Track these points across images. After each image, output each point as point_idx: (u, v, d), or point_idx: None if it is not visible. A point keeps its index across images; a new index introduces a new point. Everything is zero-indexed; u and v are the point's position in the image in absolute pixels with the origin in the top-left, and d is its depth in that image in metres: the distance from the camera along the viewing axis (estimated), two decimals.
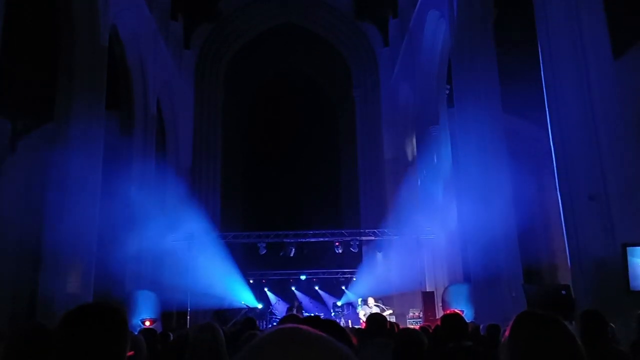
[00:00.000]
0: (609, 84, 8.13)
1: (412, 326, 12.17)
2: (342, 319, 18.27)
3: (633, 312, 5.47)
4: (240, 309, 18.48)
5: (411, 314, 16.31)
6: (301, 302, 21.67)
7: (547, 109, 8.88)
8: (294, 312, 16.78)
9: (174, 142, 21.10)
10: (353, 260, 20.63)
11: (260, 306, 20.16)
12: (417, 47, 17.93)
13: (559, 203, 8.77)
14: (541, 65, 9.04)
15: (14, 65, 12.70)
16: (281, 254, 18.41)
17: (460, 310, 10.85)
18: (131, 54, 16.32)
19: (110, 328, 1.48)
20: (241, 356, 0.75)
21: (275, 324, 12.74)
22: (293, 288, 22.64)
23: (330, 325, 2.38)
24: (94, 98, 12.46)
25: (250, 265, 20.47)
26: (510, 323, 1.63)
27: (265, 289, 22.08)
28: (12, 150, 16.40)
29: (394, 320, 11.98)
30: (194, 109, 22.64)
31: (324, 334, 0.76)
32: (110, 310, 1.51)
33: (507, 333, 1.67)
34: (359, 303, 16.49)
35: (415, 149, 19.37)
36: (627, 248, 7.42)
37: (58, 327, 1.48)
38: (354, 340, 2.56)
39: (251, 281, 20.88)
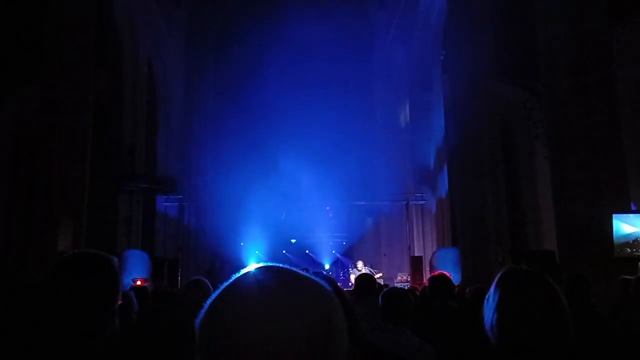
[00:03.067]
0: (604, 51, 8.08)
1: None
2: None
3: (616, 278, 5.60)
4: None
5: (399, 277, 16.53)
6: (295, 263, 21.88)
7: (542, 76, 8.84)
8: None
9: (164, 101, 20.83)
10: (344, 225, 20.77)
11: None
12: (413, 11, 17.63)
13: (547, 170, 8.84)
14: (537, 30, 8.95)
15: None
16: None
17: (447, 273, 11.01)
18: (120, 12, 15.92)
19: (102, 275, 1.47)
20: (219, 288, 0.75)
21: None
22: (284, 251, 22.81)
23: (320, 276, 2.37)
24: (82, 57, 12.20)
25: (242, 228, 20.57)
26: (496, 277, 1.65)
27: (257, 252, 22.24)
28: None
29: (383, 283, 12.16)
30: (185, 69, 22.29)
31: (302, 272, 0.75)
32: (102, 258, 1.51)
33: (491, 289, 1.68)
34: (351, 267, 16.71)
35: (408, 115, 19.30)
36: (613, 215, 7.53)
37: (50, 274, 1.47)
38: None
39: (242, 244, 21.02)
